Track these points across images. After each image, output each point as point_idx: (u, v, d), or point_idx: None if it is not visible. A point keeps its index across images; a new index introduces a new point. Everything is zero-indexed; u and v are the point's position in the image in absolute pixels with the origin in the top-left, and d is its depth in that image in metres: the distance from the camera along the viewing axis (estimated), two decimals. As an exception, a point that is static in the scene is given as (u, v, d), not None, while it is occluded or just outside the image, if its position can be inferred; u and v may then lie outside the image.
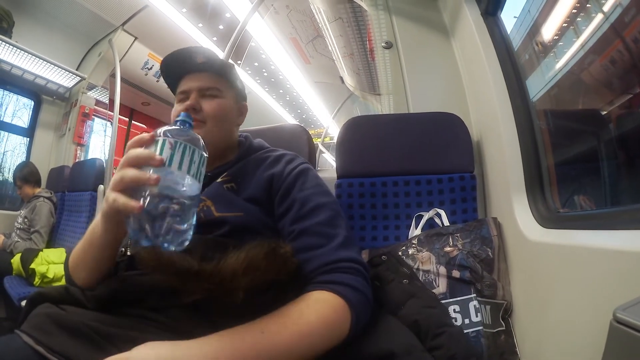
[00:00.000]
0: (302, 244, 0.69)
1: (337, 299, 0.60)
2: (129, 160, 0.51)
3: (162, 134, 0.54)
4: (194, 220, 0.54)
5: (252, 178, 0.82)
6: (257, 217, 0.76)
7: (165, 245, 0.50)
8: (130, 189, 0.50)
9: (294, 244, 0.69)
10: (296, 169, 0.82)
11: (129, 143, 0.55)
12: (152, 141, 0.53)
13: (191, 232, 0.53)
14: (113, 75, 3.16)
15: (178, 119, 0.59)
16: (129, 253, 0.70)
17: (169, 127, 0.56)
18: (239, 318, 0.53)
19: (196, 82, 0.86)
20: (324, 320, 0.57)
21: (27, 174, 2.66)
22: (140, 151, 0.52)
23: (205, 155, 0.58)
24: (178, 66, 0.89)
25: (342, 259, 0.66)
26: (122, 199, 0.49)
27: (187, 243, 0.52)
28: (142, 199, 0.49)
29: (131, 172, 0.50)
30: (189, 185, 0.52)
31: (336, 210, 0.76)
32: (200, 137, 0.58)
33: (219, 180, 0.81)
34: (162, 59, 0.89)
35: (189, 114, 0.62)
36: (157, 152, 0.51)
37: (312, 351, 0.55)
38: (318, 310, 0.58)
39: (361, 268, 0.67)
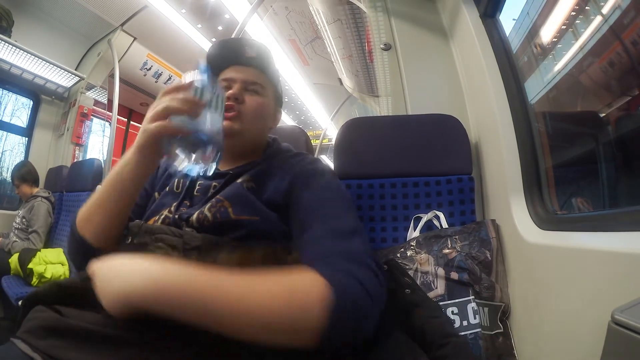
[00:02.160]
0: (310, 235, 0.64)
1: (317, 277, 0.51)
2: (175, 98, 0.59)
3: (198, 83, 0.62)
4: (220, 149, 0.63)
5: (272, 180, 0.78)
6: (273, 223, 0.72)
7: (200, 169, 0.61)
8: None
9: (300, 238, 0.65)
10: (313, 168, 0.79)
11: (166, 90, 0.61)
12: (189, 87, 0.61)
13: (218, 158, 0.63)
14: (112, 76, 3.17)
15: (201, 66, 0.65)
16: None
17: (200, 76, 0.63)
18: None
19: (242, 74, 0.84)
20: (288, 289, 0.48)
21: (24, 173, 2.66)
22: (188, 94, 0.60)
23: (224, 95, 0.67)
24: (227, 54, 0.86)
25: (352, 251, 0.59)
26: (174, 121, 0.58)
27: (215, 166, 0.63)
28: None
29: (175, 102, 0.58)
30: (217, 121, 0.63)
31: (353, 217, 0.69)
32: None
33: (239, 180, 0.78)
34: (209, 47, 0.88)
35: (208, 67, 0.66)
36: (198, 96, 0.60)
37: (260, 325, 0.46)
38: (287, 280, 0.50)
39: (371, 263, 0.57)
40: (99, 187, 0.70)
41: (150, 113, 0.60)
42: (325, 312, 0.47)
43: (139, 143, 0.62)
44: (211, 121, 0.62)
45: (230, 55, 0.86)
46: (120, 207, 0.68)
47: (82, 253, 0.69)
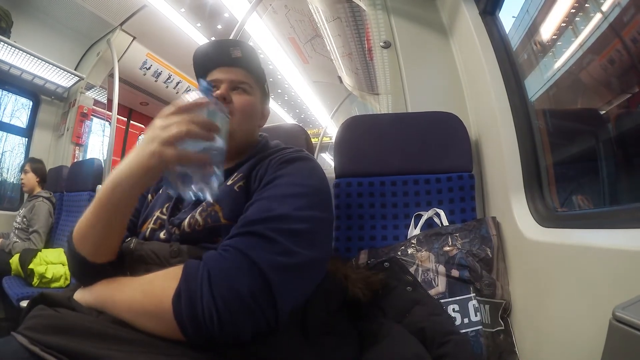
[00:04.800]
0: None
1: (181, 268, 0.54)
2: (192, 120, 0.55)
3: (211, 104, 0.60)
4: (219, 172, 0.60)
5: (257, 178, 0.74)
6: None
7: (204, 194, 0.58)
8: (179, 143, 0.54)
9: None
10: (281, 164, 0.72)
11: (179, 107, 0.57)
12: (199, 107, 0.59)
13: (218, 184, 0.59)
14: (111, 75, 3.16)
15: (204, 86, 0.63)
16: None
17: (204, 96, 0.61)
18: None
19: (228, 74, 0.84)
20: (151, 285, 0.55)
21: (38, 167, 2.68)
22: (204, 118, 0.57)
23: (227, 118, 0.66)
24: (212, 57, 0.86)
25: (238, 234, 0.57)
26: (188, 152, 0.54)
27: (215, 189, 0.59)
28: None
29: (195, 127, 0.55)
30: (222, 145, 0.60)
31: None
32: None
33: (229, 182, 0.75)
34: (194, 52, 0.88)
35: (210, 83, 0.69)
36: (207, 117, 0.58)
37: (132, 313, 0.54)
38: (159, 275, 0.56)
39: (246, 246, 0.54)
40: (99, 187, 0.69)
41: (162, 133, 0.54)
42: (172, 301, 0.50)
43: (146, 165, 0.55)
44: (220, 145, 0.59)
45: (215, 57, 0.86)
46: (113, 227, 0.63)
47: (81, 268, 0.67)
